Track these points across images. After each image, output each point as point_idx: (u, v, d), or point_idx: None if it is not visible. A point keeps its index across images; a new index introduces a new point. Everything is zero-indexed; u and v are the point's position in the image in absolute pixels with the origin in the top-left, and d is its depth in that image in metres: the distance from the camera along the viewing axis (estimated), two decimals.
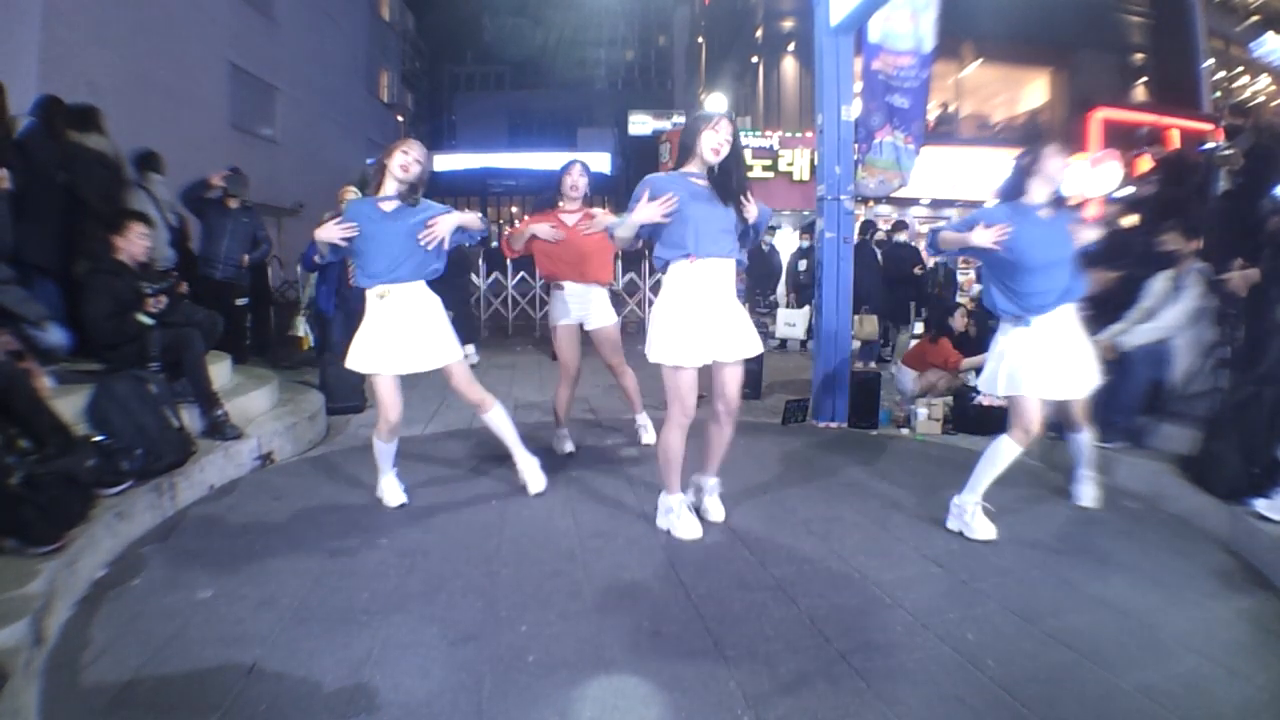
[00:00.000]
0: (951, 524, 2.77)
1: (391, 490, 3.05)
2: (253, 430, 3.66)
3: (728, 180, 2.58)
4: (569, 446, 3.85)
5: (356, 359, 2.85)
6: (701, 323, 2.56)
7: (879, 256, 8.02)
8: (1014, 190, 2.74)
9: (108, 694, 1.71)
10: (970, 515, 2.71)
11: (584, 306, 3.66)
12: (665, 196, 2.50)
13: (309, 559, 2.47)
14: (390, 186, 2.81)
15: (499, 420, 3.10)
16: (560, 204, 3.64)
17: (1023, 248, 2.61)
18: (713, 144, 2.55)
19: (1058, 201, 2.75)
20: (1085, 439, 3.05)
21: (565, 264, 3.62)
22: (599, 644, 1.94)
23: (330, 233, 2.75)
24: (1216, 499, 2.76)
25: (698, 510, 2.84)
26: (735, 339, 2.61)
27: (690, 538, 2.65)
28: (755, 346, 2.64)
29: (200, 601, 2.18)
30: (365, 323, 2.86)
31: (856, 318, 8.57)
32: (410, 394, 5.61)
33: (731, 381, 2.66)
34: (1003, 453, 2.69)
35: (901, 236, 8.49)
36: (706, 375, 2.67)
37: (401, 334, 2.82)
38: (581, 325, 3.69)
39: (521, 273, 10.04)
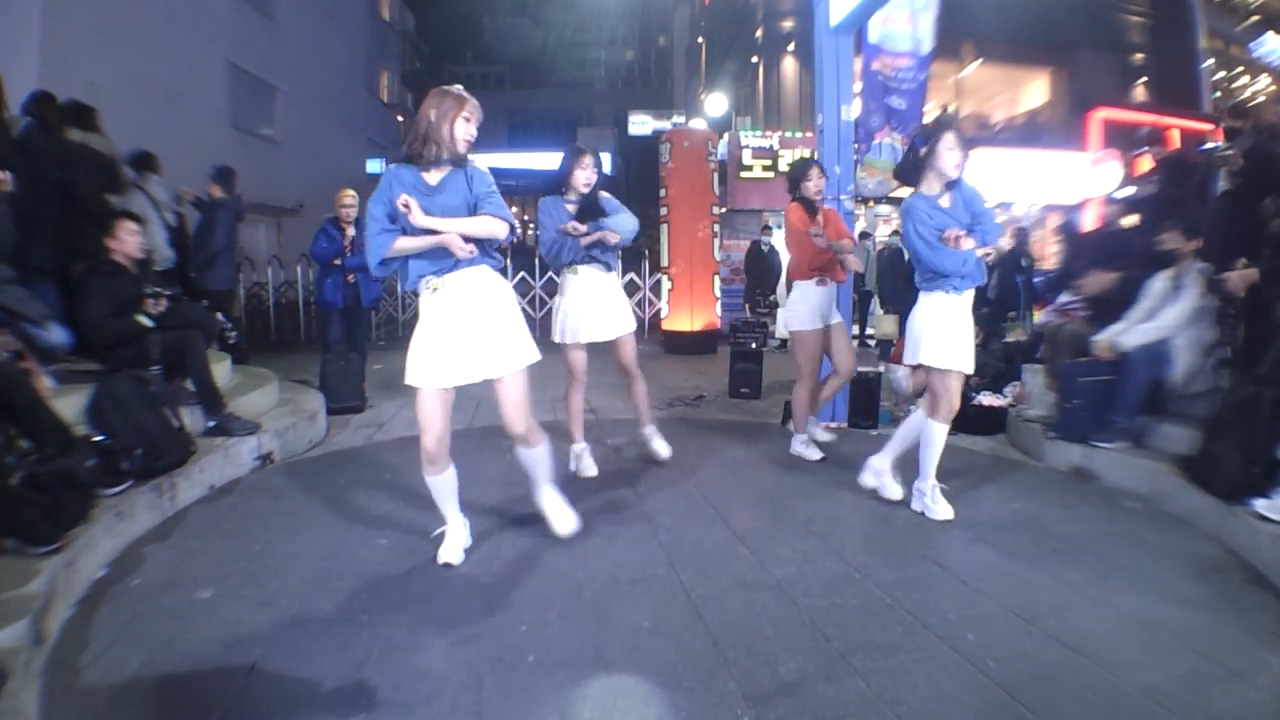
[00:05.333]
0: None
1: (452, 542, 2.46)
2: None
3: (591, 207, 3.20)
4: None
5: (410, 371, 2.32)
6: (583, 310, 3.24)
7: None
8: (913, 180, 2.96)
9: (108, 694, 1.72)
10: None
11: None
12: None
13: (309, 559, 2.48)
14: (440, 152, 2.31)
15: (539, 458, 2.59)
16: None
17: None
18: (584, 179, 3.19)
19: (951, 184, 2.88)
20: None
21: None
22: (599, 644, 1.94)
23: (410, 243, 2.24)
24: (1216, 499, 2.76)
25: None
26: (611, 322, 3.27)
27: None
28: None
29: (200, 601, 2.18)
30: (418, 327, 2.34)
31: (877, 315, 8.60)
32: (407, 396, 5.66)
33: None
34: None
35: None
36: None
37: (459, 336, 2.26)
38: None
39: (521, 273, 10.03)
